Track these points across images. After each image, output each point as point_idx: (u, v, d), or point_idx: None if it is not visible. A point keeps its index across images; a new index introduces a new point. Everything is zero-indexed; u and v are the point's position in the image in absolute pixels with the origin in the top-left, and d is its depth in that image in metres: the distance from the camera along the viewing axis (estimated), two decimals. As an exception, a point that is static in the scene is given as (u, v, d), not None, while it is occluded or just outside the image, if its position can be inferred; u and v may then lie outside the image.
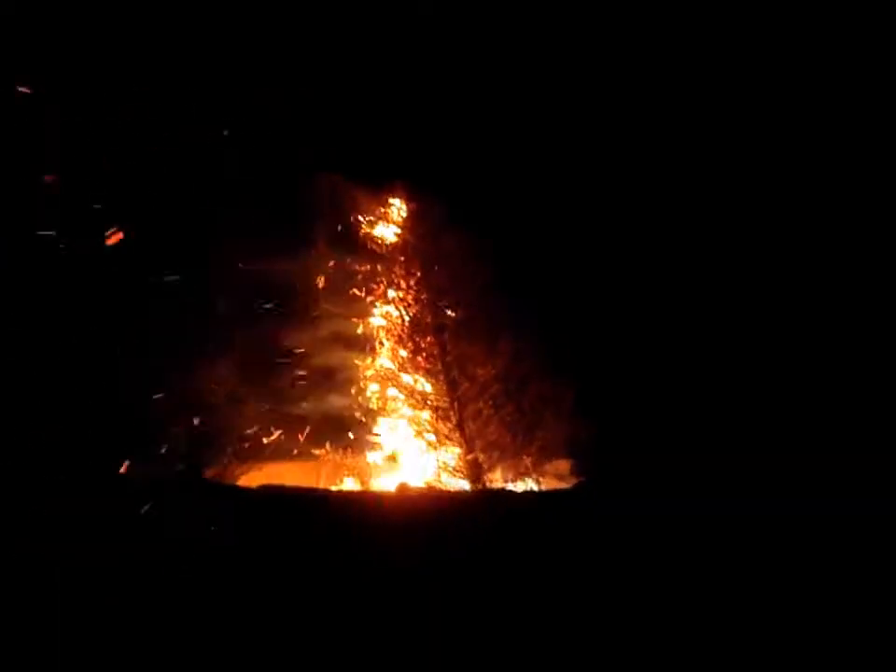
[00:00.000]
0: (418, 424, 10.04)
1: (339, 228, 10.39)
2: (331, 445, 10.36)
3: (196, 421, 9.73)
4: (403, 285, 10.16)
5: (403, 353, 10.10)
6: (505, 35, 10.49)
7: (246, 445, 10.05)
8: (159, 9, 9.84)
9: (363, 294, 10.37)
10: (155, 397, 9.42)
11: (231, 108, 10.10)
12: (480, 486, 9.71)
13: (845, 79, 10.19)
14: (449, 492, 9.45)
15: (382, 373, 10.22)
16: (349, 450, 10.38)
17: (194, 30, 9.92)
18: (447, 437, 9.87)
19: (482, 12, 10.42)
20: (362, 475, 10.30)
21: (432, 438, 9.91)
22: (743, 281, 10.13)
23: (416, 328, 10.07)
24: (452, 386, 9.88)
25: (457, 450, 9.87)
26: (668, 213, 10.25)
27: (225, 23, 10.05)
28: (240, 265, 9.97)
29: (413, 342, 10.02)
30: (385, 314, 10.28)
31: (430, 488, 9.50)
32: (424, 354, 9.98)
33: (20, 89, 9.24)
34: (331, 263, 10.44)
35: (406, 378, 10.13)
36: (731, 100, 10.40)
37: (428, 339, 9.99)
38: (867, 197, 10.10)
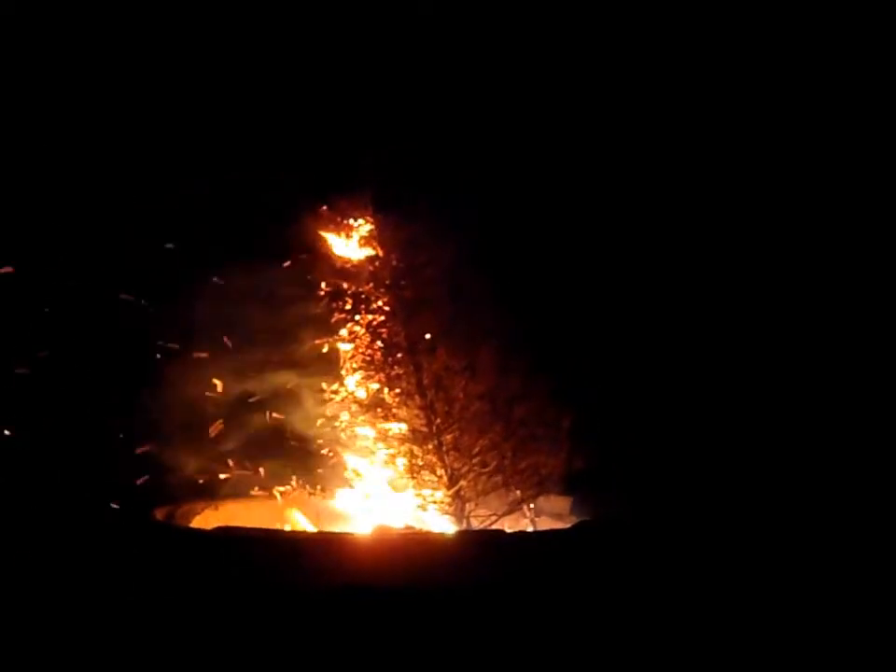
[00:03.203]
0: (394, 454, 9.31)
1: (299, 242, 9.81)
2: (296, 482, 9.82)
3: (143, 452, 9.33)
4: (371, 300, 9.42)
5: (373, 374, 9.36)
6: (503, 37, 10.37)
7: (200, 481, 9.57)
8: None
9: (328, 313, 9.62)
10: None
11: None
12: (464, 525, 8.96)
13: (845, 80, 10.06)
14: (430, 534, 8.60)
15: (350, 399, 9.47)
16: (316, 487, 9.81)
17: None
18: (425, 468, 9.13)
19: (481, 13, 10.32)
20: (330, 516, 9.69)
21: (409, 469, 9.19)
22: (747, 291, 9.90)
23: (387, 346, 9.30)
24: (430, 409, 9.09)
25: (438, 482, 9.14)
26: (668, 209, 10.05)
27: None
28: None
29: (385, 361, 9.26)
30: (351, 332, 9.50)
31: (410, 529, 8.67)
32: (396, 374, 9.21)
33: None
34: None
35: (378, 403, 9.39)
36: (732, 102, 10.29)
37: (399, 356, 9.21)
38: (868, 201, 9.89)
